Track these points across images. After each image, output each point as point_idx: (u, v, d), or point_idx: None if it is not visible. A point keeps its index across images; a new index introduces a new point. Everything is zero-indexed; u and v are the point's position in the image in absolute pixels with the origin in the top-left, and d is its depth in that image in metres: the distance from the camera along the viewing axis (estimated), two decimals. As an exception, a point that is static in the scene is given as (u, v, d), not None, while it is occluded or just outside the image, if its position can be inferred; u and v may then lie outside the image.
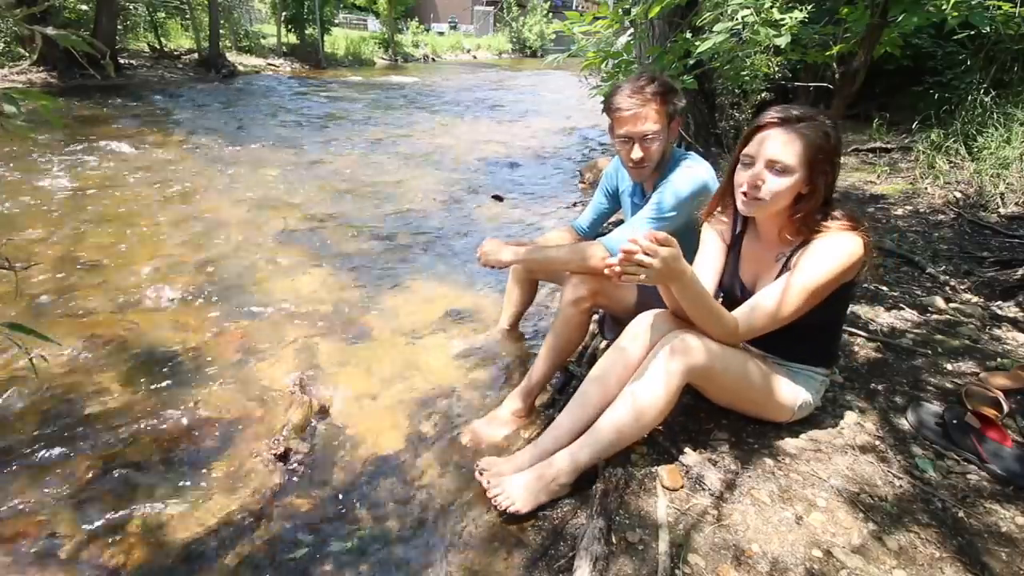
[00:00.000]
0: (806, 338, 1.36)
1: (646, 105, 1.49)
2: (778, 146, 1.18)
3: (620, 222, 1.76)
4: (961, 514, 1.21)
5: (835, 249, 1.20)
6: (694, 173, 1.55)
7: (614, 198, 1.91)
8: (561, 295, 1.64)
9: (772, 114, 1.21)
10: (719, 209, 1.42)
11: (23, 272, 2.46)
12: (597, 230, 2.00)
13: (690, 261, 1.37)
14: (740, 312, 1.29)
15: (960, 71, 5.00)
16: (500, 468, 1.37)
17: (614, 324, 1.83)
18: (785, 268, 1.28)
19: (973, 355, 1.85)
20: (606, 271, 1.13)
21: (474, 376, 1.97)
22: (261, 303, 2.44)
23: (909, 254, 2.75)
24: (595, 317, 1.97)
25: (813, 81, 5.19)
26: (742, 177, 1.24)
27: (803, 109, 1.20)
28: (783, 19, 2.33)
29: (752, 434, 1.46)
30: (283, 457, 1.53)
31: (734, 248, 1.44)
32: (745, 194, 1.23)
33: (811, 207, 1.21)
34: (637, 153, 1.53)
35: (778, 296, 1.23)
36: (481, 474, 1.37)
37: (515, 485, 1.29)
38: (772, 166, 1.19)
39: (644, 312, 1.44)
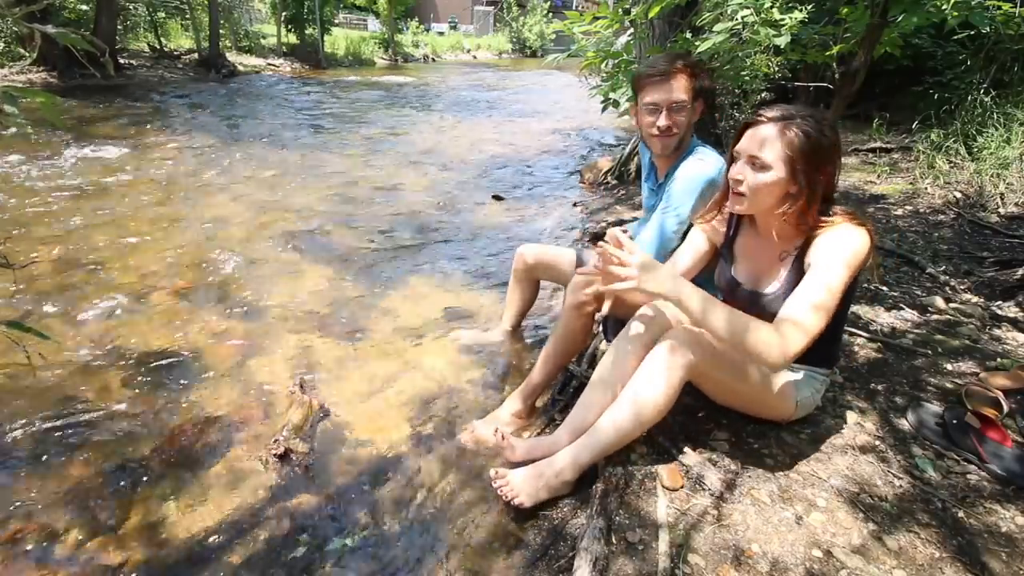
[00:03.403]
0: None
1: (676, 74, 1.49)
2: (757, 142, 1.20)
3: (617, 223, 1.76)
4: (961, 514, 1.21)
5: (846, 242, 1.18)
6: (702, 167, 1.55)
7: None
8: (563, 298, 1.64)
9: (760, 111, 1.23)
10: (719, 207, 1.42)
11: (23, 271, 2.46)
12: None
13: None
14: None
15: (960, 71, 5.00)
16: (517, 446, 1.40)
17: (617, 326, 1.82)
18: (796, 268, 1.27)
19: (973, 355, 1.85)
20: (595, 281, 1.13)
21: (474, 376, 1.97)
22: (261, 303, 2.44)
23: (909, 254, 2.75)
24: (598, 316, 1.97)
25: (813, 81, 5.19)
26: (731, 172, 1.27)
27: (795, 108, 1.21)
28: (783, 19, 2.33)
29: (752, 434, 1.46)
30: (283, 457, 1.53)
31: (727, 248, 1.44)
32: (731, 189, 1.27)
33: (801, 206, 1.21)
34: (664, 121, 1.52)
35: (808, 305, 1.14)
36: (503, 438, 1.40)
37: (520, 478, 1.30)
38: (752, 162, 1.21)
39: (644, 308, 1.44)
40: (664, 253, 1.60)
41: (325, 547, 1.28)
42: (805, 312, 1.13)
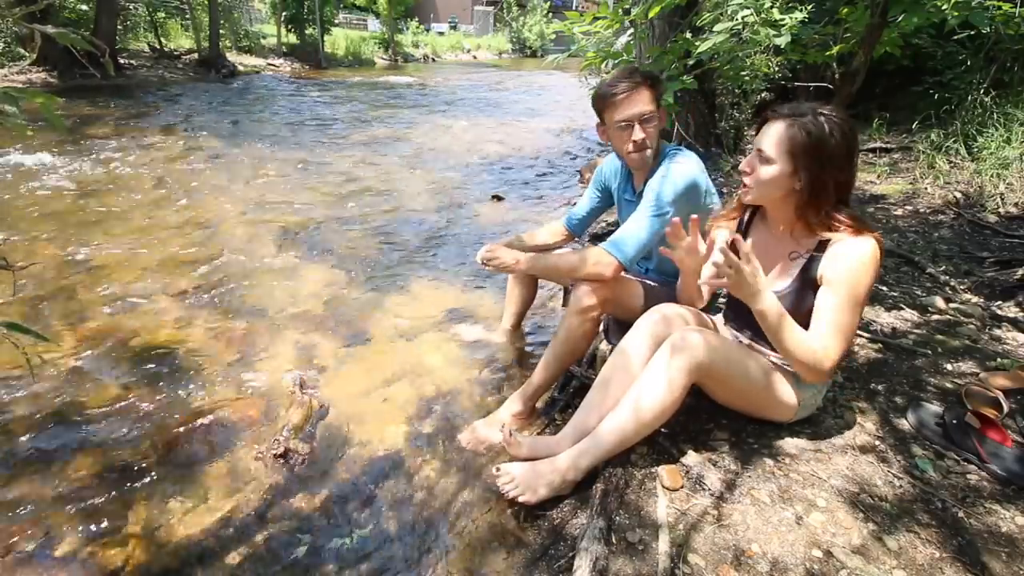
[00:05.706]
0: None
1: (638, 88, 1.54)
2: (764, 136, 1.23)
3: (616, 224, 1.76)
4: (961, 514, 1.21)
5: (861, 257, 1.19)
6: (685, 167, 1.57)
7: (606, 194, 1.92)
8: (567, 303, 1.64)
9: (775, 107, 1.25)
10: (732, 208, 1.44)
11: (22, 272, 2.46)
12: (588, 225, 2.03)
13: None
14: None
15: (960, 71, 4.99)
16: (522, 443, 1.40)
17: (619, 329, 1.82)
18: (804, 274, 1.28)
19: (973, 355, 1.85)
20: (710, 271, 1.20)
21: (474, 376, 1.97)
22: (261, 303, 2.44)
23: (909, 254, 2.75)
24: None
25: (813, 81, 5.19)
26: (741, 163, 1.29)
27: (809, 105, 1.22)
28: (783, 19, 2.33)
29: (752, 434, 1.46)
30: (283, 457, 1.53)
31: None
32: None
33: (804, 201, 1.22)
34: (639, 134, 1.55)
35: (835, 329, 1.21)
36: (509, 434, 1.40)
37: (522, 475, 1.30)
38: (759, 154, 1.24)
39: (648, 311, 1.44)
40: (643, 253, 1.59)
41: (325, 547, 1.28)
42: (832, 338, 1.20)
